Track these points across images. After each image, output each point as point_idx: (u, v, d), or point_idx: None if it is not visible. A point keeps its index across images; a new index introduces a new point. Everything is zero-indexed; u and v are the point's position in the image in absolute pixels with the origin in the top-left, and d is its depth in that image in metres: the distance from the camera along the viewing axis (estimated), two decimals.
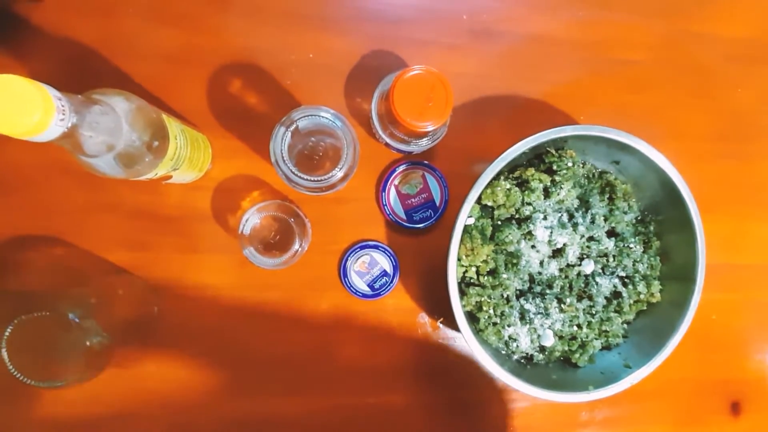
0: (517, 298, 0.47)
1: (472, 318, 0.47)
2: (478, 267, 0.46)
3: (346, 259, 0.51)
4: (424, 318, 0.53)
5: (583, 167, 0.49)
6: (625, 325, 0.50)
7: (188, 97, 0.49)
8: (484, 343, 0.46)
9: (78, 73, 0.48)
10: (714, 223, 0.49)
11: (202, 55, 0.49)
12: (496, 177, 0.46)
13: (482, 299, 0.46)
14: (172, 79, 0.49)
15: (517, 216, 0.47)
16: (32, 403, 0.46)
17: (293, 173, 0.37)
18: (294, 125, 0.37)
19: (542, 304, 0.47)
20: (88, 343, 0.38)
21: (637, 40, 0.56)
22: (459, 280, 0.46)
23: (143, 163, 0.33)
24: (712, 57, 0.57)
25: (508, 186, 0.46)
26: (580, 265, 0.48)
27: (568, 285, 0.48)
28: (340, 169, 0.37)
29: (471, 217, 0.45)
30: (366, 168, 0.51)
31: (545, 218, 0.47)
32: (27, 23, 0.47)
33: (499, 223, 0.47)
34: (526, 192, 0.46)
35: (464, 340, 0.44)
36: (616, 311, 0.49)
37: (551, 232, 0.47)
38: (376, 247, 0.51)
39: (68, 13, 0.47)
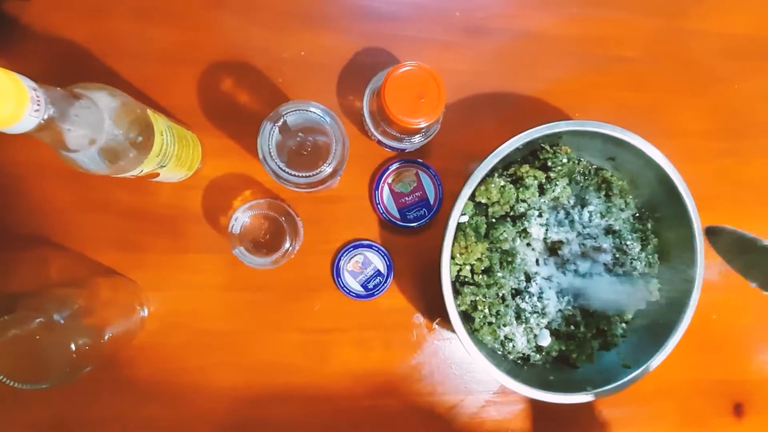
0: (513, 297, 0.47)
1: (467, 318, 0.46)
2: (472, 265, 0.46)
3: (339, 259, 0.50)
4: (419, 318, 0.52)
5: (578, 164, 0.48)
6: (623, 325, 0.49)
7: (179, 96, 0.48)
8: (479, 344, 0.45)
9: (67, 72, 0.47)
10: (712, 221, 0.47)
11: (192, 53, 0.49)
12: (490, 174, 0.45)
13: (477, 298, 0.45)
14: (162, 78, 0.48)
15: (511, 213, 0.46)
16: (15, 405, 0.46)
17: (281, 169, 0.36)
18: (281, 120, 0.37)
19: (538, 303, 0.46)
20: (73, 345, 0.37)
21: (632, 37, 0.55)
22: (453, 279, 0.46)
23: (127, 159, 0.32)
24: (708, 53, 0.57)
25: (503, 183, 0.45)
26: (576, 263, 0.47)
27: None
28: (329, 164, 0.37)
29: (465, 214, 0.44)
30: (359, 166, 0.51)
31: (540, 215, 0.46)
32: (16, 22, 0.46)
33: (494, 220, 0.46)
34: (521, 189, 0.46)
35: (460, 341, 0.43)
36: None
37: (547, 230, 0.46)
38: (369, 246, 0.50)
39: (58, 12, 0.47)
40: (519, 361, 0.48)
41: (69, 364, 0.37)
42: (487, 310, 0.45)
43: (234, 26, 0.49)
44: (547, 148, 0.46)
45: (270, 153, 0.36)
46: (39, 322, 0.36)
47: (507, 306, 0.46)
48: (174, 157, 0.39)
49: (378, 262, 0.50)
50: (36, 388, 0.36)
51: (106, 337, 0.41)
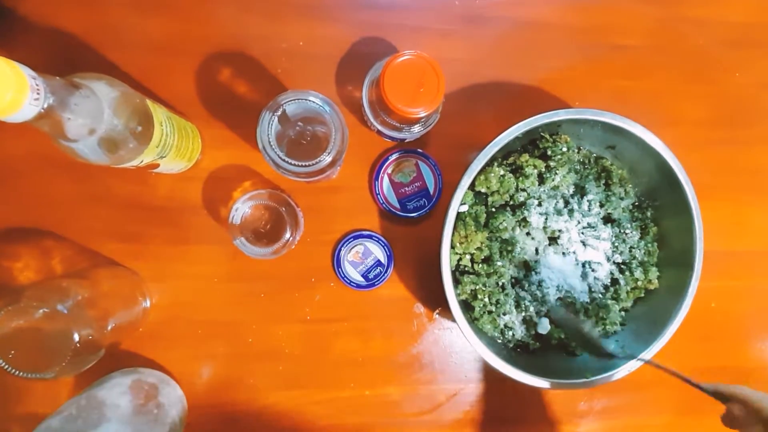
0: (513, 285, 0.47)
1: (467, 307, 0.47)
2: (472, 255, 0.46)
3: (340, 249, 0.50)
4: (419, 308, 0.52)
5: (578, 152, 0.48)
6: (622, 313, 0.49)
7: (177, 87, 0.48)
8: (479, 332, 0.45)
9: (66, 62, 0.47)
10: (712, 209, 0.48)
11: (191, 43, 0.49)
12: (490, 163, 0.45)
13: (477, 287, 0.45)
14: (160, 68, 0.48)
15: (511, 202, 0.47)
16: (20, 395, 0.46)
17: (281, 159, 0.36)
18: (280, 109, 0.36)
19: (538, 292, 0.46)
20: (76, 336, 0.38)
21: (632, 25, 0.55)
22: (453, 269, 0.46)
23: (127, 149, 0.33)
24: (709, 42, 0.56)
25: (502, 172, 0.45)
26: (575, 252, 0.48)
27: None
28: (328, 153, 0.37)
29: (464, 204, 0.45)
30: (359, 156, 0.51)
31: (540, 204, 0.46)
32: (14, 13, 0.46)
33: (493, 210, 0.46)
34: (521, 178, 0.46)
35: (460, 330, 0.43)
36: (613, 298, 0.48)
37: (546, 219, 0.46)
38: (369, 236, 0.51)
39: (56, 3, 0.47)
40: (519, 350, 0.49)
41: (73, 355, 0.37)
42: (487, 299, 0.45)
43: (232, 16, 0.49)
44: (547, 137, 0.46)
45: (269, 143, 0.36)
46: (42, 313, 0.36)
47: (507, 295, 0.46)
48: (174, 147, 0.39)
49: (378, 252, 0.51)
50: (40, 377, 0.36)
51: (109, 328, 0.42)
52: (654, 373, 0.47)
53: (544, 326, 0.46)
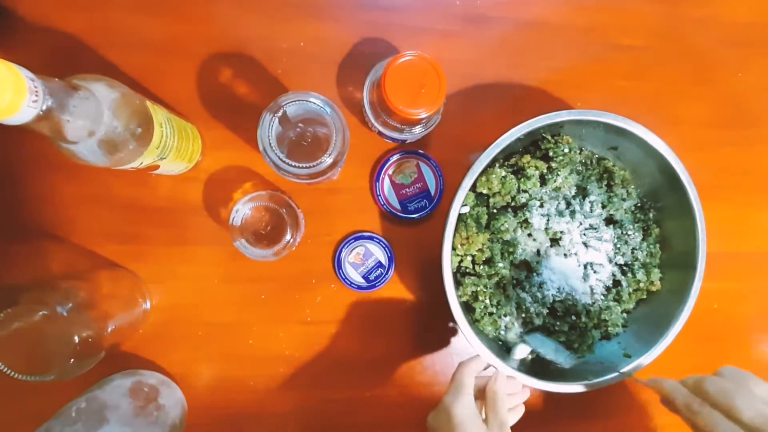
0: (513, 287, 0.47)
1: (468, 308, 0.46)
2: (473, 256, 0.46)
3: (341, 251, 0.50)
4: (420, 310, 0.52)
5: (580, 153, 0.48)
6: (624, 314, 0.49)
7: (177, 88, 0.48)
8: (480, 334, 0.45)
9: (65, 64, 0.47)
10: (714, 210, 0.48)
11: (191, 44, 0.48)
12: (492, 164, 0.45)
13: (478, 289, 0.45)
14: (160, 69, 0.48)
15: (512, 204, 0.46)
16: (20, 397, 0.46)
17: (281, 160, 0.36)
18: (281, 111, 0.36)
19: (539, 294, 0.46)
20: (76, 337, 0.38)
21: (635, 26, 0.55)
22: (454, 270, 0.46)
23: (127, 151, 0.32)
24: (712, 42, 0.56)
25: (504, 173, 0.45)
26: (577, 253, 0.47)
27: None
28: (329, 155, 0.37)
29: (466, 205, 0.44)
30: (359, 157, 0.50)
31: (542, 206, 0.46)
32: (12, 13, 0.46)
33: (495, 211, 0.46)
34: (522, 179, 0.45)
35: (461, 332, 0.43)
36: (615, 300, 0.48)
37: (548, 220, 0.46)
38: (370, 238, 0.50)
39: (55, 3, 0.47)
40: None
41: (73, 357, 0.37)
42: (488, 301, 0.45)
43: (232, 16, 0.49)
44: (549, 138, 0.46)
45: (270, 144, 0.36)
46: (42, 315, 0.36)
47: (508, 296, 0.46)
48: (174, 149, 0.39)
49: (379, 254, 0.50)
50: (40, 380, 0.36)
51: (109, 330, 0.41)
52: (657, 374, 0.47)
53: (522, 351, 0.46)
